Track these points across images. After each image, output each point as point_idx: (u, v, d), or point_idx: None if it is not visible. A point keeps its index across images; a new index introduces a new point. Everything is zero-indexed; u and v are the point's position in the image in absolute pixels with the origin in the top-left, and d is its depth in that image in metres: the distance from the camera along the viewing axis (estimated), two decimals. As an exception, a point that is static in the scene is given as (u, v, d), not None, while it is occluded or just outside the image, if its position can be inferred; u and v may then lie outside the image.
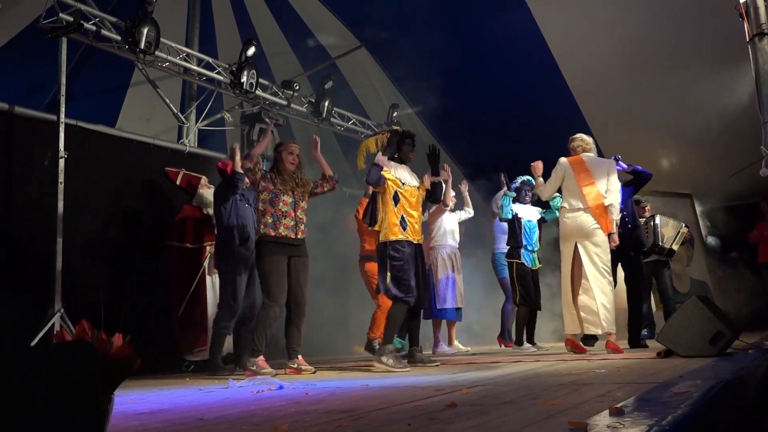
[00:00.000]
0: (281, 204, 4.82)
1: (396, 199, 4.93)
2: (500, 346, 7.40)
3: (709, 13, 6.61)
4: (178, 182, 6.13)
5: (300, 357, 4.77)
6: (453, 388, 2.86)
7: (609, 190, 5.28)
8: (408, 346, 5.51)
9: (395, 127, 5.30)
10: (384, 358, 4.65)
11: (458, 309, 7.11)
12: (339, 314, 7.80)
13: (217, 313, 5.51)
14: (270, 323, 4.69)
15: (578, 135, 5.64)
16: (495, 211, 7.19)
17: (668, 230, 7.04)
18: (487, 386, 2.92)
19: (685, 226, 7.20)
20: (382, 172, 4.94)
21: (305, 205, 5.01)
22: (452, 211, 7.29)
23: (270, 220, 4.77)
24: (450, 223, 7.17)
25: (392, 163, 5.08)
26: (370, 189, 5.77)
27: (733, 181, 6.61)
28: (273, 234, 4.76)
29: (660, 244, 6.95)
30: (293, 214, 4.86)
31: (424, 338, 8.73)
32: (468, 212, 7.45)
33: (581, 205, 5.27)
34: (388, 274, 4.81)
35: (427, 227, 7.24)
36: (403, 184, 5.01)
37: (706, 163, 8.20)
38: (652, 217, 7.10)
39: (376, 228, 4.99)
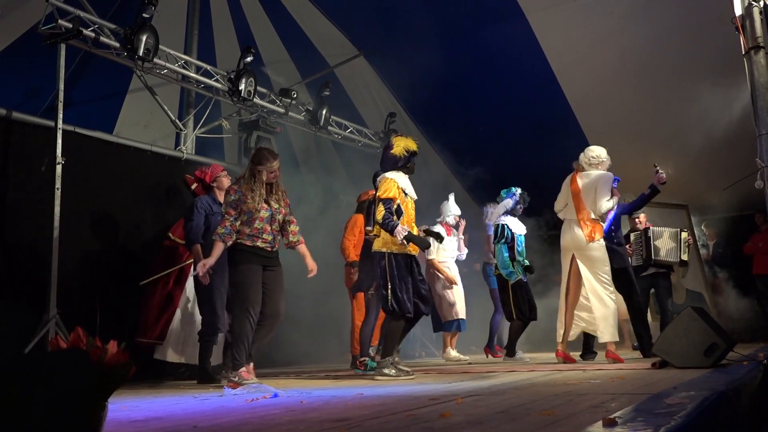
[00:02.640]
0: (257, 222, 4.51)
1: (399, 213, 4.87)
2: (487, 356, 7.41)
3: (707, 27, 6.66)
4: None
5: (251, 364, 4.47)
6: (447, 398, 2.86)
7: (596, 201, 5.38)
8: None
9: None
10: (386, 370, 4.67)
11: (460, 320, 7.16)
12: (333, 322, 7.77)
13: (201, 324, 5.53)
14: (248, 335, 4.41)
15: (584, 152, 5.67)
16: (486, 223, 7.34)
17: (664, 241, 6.90)
18: (482, 396, 2.92)
19: (682, 230, 7.05)
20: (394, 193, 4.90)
21: (281, 218, 4.63)
22: (452, 227, 7.35)
23: (247, 232, 4.49)
24: (448, 240, 7.19)
25: (400, 173, 5.02)
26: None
27: (729, 192, 6.63)
28: (249, 244, 4.50)
29: (655, 257, 6.85)
30: (269, 229, 4.56)
31: (427, 346, 8.81)
32: (461, 256, 7.53)
33: (574, 217, 5.42)
34: (389, 290, 4.75)
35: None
36: (406, 195, 4.98)
37: (703, 175, 8.22)
38: (645, 230, 7.03)
39: (375, 232, 4.94)
